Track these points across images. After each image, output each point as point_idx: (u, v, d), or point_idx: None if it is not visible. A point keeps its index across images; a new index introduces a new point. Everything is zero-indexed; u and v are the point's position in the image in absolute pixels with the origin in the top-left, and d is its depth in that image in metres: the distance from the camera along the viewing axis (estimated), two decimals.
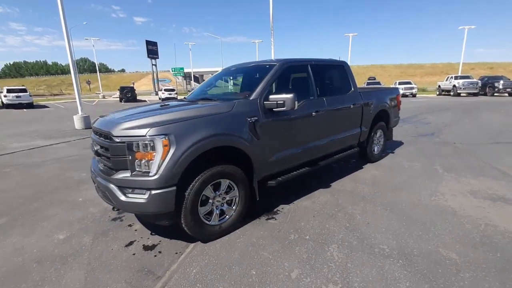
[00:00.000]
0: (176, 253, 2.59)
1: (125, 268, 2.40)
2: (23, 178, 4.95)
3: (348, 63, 4.49)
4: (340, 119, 4.10)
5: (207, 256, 2.52)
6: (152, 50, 39.28)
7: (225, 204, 2.85)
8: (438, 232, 2.78)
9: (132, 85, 33.99)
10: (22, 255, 2.64)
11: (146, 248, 2.69)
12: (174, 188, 2.38)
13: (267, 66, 3.42)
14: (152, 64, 39.60)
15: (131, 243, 2.79)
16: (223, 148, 2.71)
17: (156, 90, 36.20)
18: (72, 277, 2.31)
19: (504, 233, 2.72)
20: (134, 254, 2.60)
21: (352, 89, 4.37)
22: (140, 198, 2.35)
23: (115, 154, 2.40)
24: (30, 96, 22.79)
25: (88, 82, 63.75)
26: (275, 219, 3.18)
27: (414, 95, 25.00)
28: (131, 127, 2.38)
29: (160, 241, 2.80)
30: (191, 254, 2.56)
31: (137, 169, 2.35)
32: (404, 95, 24.62)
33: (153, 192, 2.32)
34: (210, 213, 2.75)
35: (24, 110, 21.06)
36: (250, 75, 3.99)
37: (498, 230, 2.78)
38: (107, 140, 2.49)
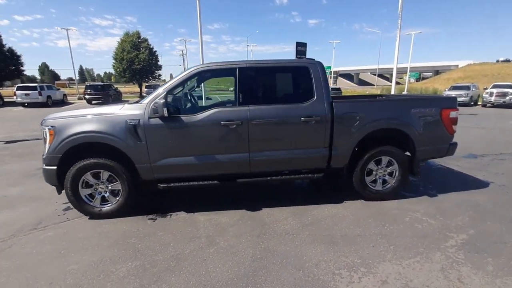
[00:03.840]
0: (68, 219, 3.35)
1: (38, 218, 3.40)
2: None
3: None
4: (278, 134, 3.29)
5: (71, 229, 3.10)
6: (300, 51, 41.24)
7: (107, 193, 3.29)
8: None
9: None
10: (9, 192, 4.25)
11: (66, 209, 3.62)
12: (55, 168, 3.12)
13: (185, 70, 3.40)
14: None
15: (67, 202, 3.81)
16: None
17: None
18: (5, 216, 3.56)
19: None
20: (55, 210, 3.60)
21: (314, 97, 3.34)
22: (42, 170, 3.27)
23: None
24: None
25: None
26: (155, 221, 3.25)
27: None
28: (45, 119, 3.31)
29: None
30: (70, 222, 3.24)
31: (45, 148, 3.27)
32: None
33: (43, 167, 3.17)
34: (93, 196, 3.29)
35: None
36: None
37: None
38: None
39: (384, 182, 3.69)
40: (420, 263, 2.39)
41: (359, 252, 2.57)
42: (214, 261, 2.47)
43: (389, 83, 79.06)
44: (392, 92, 13.60)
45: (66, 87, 55.58)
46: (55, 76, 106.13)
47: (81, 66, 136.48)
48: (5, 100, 23.63)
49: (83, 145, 3.12)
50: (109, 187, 3.28)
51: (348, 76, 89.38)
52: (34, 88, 21.19)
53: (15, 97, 21.12)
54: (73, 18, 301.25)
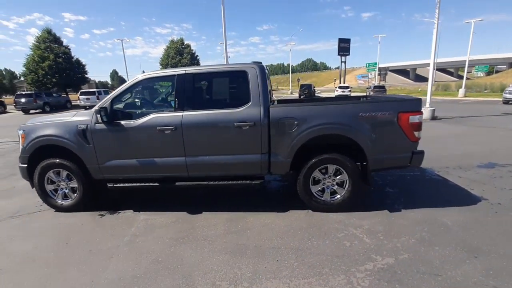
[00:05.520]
0: (40, 210, 3.87)
1: (19, 208, 4.01)
2: None
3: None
4: (212, 139, 3.27)
5: (34, 219, 3.58)
6: (343, 48, 39.63)
7: (67, 189, 3.71)
8: None
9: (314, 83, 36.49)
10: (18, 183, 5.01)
11: None
12: (26, 165, 3.63)
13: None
14: (342, 61, 40.04)
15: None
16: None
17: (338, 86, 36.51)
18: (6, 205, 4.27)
19: None
20: (38, 201, 4.12)
21: (250, 102, 3.24)
22: (18, 167, 3.82)
23: None
24: None
25: (298, 80, 75.01)
26: (102, 217, 3.56)
27: None
28: (21, 124, 3.85)
29: None
30: (39, 213, 3.74)
31: (20, 149, 3.81)
32: None
33: (19, 165, 3.72)
34: (57, 191, 3.74)
35: None
36: None
37: None
38: None
39: (334, 192, 3.39)
40: (312, 285, 2.18)
41: (257, 265, 2.45)
42: (118, 260, 2.62)
43: (452, 78, 70.03)
44: (428, 92, 12.05)
45: None
46: (123, 81, 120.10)
47: (143, 71, 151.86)
48: (73, 103, 27.70)
49: (48, 146, 3.57)
50: (69, 185, 3.69)
51: (402, 72, 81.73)
52: (93, 93, 24.44)
53: (78, 101, 24.68)
54: (138, 28, 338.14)
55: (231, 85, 3.55)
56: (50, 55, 28.24)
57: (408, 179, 4.48)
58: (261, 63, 3.56)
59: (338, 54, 39.77)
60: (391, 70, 77.39)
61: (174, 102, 3.37)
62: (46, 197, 3.72)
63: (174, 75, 3.43)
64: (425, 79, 75.64)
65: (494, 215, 3.19)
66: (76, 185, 3.65)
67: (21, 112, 22.70)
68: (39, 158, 3.60)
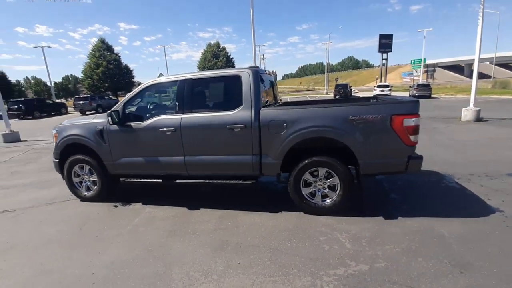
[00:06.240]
0: (70, 199, 4.48)
1: (55, 196, 4.68)
2: None
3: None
4: (207, 140, 3.48)
5: (64, 207, 4.18)
6: (385, 44, 37.31)
7: (89, 182, 4.24)
8: None
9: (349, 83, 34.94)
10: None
11: None
12: (58, 160, 4.25)
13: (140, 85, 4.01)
14: (383, 59, 37.73)
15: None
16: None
17: (378, 84, 34.47)
18: (42, 193, 5.00)
19: None
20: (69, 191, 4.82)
21: (242, 105, 3.37)
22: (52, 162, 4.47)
23: None
24: None
25: (336, 79, 72.47)
26: (115, 208, 4.00)
27: None
28: (55, 125, 4.49)
29: None
30: (68, 202, 4.34)
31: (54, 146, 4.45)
32: None
33: (52, 159, 4.36)
34: (81, 183, 4.30)
35: None
36: None
37: None
38: None
39: (325, 196, 3.36)
40: (275, 283, 2.25)
41: (232, 261, 2.58)
42: (116, 246, 2.96)
43: None
44: (473, 90, 10.91)
45: None
46: None
47: None
48: None
49: (74, 144, 4.14)
50: (90, 178, 4.23)
51: (455, 68, 73.85)
52: None
53: None
54: (183, 34, 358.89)
55: (226, 89, 3.73)
56: (103, 62, 31.61)
57: (419, 185, 4.20)
58: (257, 67, 3.69)
59: (379, 51, 37.51)
60: (441, 66, 70.55)
61: (175, 105, 3.67)
62: (73, 188, 4.31)
63: (176, 81, 3.72)
64: (482, 76, 67.46)
65: (503, 229, 2.87)
66: (96, 179, 4.17)
67: (79, 113, 25.71)
68: (68, 154, 4.20)
